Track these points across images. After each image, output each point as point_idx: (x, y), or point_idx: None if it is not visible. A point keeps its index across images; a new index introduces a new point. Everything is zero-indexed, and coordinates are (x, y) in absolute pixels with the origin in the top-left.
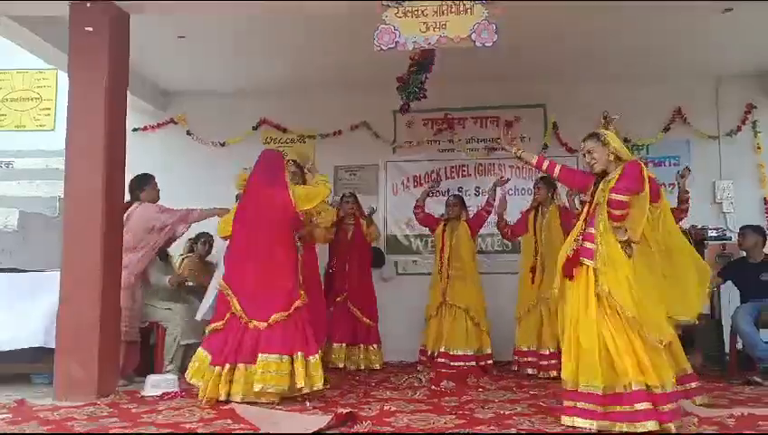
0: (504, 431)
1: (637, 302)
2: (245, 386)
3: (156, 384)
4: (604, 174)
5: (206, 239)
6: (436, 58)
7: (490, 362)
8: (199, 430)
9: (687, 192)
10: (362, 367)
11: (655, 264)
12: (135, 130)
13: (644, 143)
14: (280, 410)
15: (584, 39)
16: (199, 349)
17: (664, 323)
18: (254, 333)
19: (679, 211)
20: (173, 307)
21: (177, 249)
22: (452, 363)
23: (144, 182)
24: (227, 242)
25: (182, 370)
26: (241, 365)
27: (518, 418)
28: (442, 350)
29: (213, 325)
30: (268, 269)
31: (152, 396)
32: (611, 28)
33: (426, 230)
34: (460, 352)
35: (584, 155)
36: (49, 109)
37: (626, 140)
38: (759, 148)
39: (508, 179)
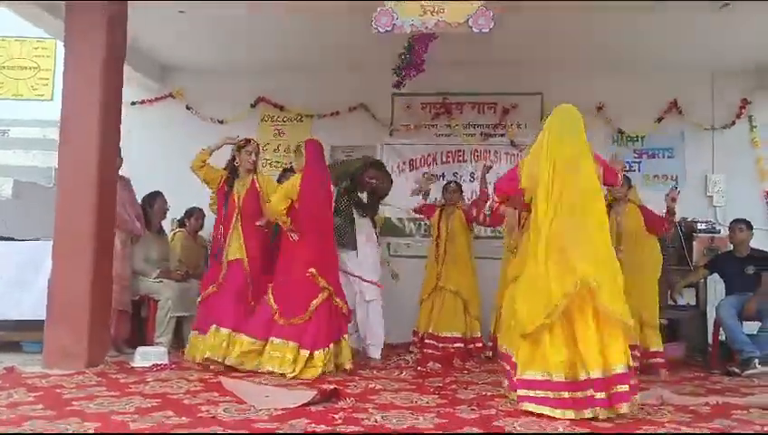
0: (483, 412)
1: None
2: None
3: (145, 355)
4: None
5: (197, 215)
6: (433, 42)
7: (479, 344)
8: (185, 402)
9: (674, 213)
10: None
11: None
12: (134, 103)
13: (637, 134)
14: (266, 384)
15: (583, 29)
16: (292, 344)
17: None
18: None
19: (663, 224)
20: (164, 280)
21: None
22: (439, 345)
23: None
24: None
25: (174, 343)
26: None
27: (500, 399)
28: (430, 331)
29: (298, 318)
30: (336, 257)
31: (141, 367)
32: (610, 19)
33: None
34: (447, 335)
35: None
36: (47, 78)
37: (620, 132)
38: (756, 142)
39: (490, 166)
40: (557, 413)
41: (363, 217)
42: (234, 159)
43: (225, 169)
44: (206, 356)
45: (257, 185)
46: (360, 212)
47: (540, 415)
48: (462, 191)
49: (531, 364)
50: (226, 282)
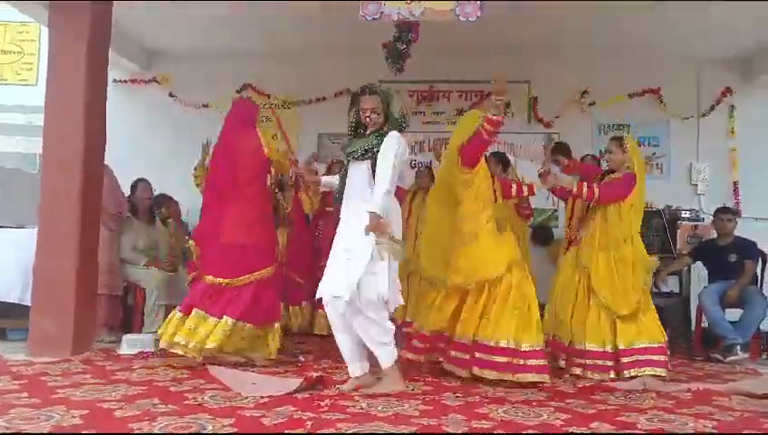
0: (469, 399)
1: None
2: None
3: (132, 343)
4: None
5: (167, 204)
6: (419, 31)
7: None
8: (171, 389)
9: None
10: None
11: None
12: (116, 81)
13: (621, 123)
14: (253, 372)
15: (570, 17)
16: None
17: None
18: None
19: None
20: (151, 269)
21: None
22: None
23: None
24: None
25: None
26: None
27: (484, 386)
28: (407, 319)
29: None
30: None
31: (128, 354)
32: (597, 7)
33: None
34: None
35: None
36: (31, 63)
37: None
38: (732, 132)
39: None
40: None
41: (357, 161)
42: None
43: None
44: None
45: None
46: (355, 155)
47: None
48: (434, 175)
49: None
50: None
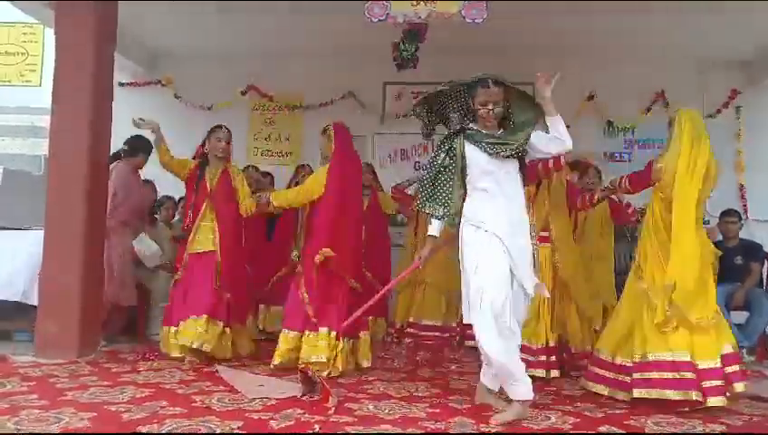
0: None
1: None
2: None
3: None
4: None
5: (168, 205)
6: (428, 29)
7: (453, 333)
8: (179, 391)
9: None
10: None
11: None
12: (122, 84)
13: (625, 126)
14: (257, 374)
15: (573, 18)
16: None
17: None
18: None
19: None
20: (155, 271)
21: None
22: (421, 333)
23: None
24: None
25: None
26: None
27: None
28: (411, 320)
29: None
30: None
31: (133, 357)
32: (599, 9)
33: None
34: (429, 323)
35: None
36: (35, 65)
37: (609, 123)
38: (739, 135)
39: None
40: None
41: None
42: (203, 144)
43: (193, 157)
44: (193, 346)
45: (230, 174)
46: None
47: None
48: None
49: None
50: (195, 273)
